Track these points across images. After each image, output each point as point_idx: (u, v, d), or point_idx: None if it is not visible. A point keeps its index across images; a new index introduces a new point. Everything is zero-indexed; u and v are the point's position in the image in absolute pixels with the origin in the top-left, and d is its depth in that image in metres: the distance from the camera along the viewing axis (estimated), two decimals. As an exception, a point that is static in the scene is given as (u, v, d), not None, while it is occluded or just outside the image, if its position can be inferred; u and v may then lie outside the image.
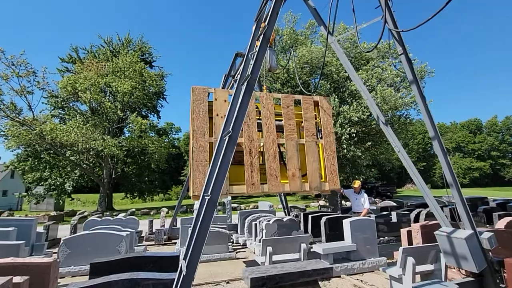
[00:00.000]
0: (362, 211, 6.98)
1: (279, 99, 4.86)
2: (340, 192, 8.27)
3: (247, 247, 7.67)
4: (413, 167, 3.91)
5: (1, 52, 16.68)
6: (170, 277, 2.94)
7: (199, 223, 2.84)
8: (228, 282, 4.83)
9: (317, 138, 4.67)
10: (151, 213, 19.43)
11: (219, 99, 4.17)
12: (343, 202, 11.72)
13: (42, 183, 22.66)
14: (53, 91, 21.88)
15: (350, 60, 25.43)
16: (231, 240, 8.07)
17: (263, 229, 6.85)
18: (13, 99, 18.11)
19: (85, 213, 18.81)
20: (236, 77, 8.43)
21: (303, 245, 5.26)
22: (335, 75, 22.15)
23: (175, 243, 8.24)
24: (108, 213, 18.94)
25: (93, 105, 22.92)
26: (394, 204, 11.30)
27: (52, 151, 20.69)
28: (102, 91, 23.20)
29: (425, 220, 6.79)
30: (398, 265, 3.78)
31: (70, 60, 27.92)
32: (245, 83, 3.28)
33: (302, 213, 8.53)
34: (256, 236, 7.42)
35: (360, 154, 21.68)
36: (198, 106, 4.05)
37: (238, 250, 7.29)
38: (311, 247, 5.52)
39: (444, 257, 3.83)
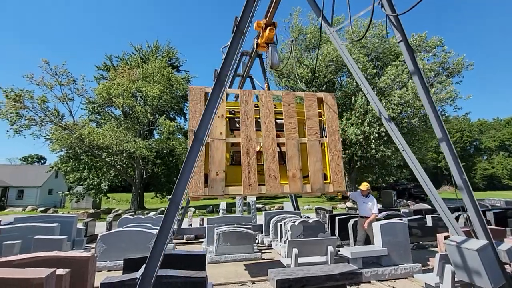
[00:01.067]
0: (370, 217, 6.51)
1: (281, 96, 4.68)
2: (346, 194, 7.97)
3: (272, 248, 7.64)
4: (421, 168, 3.66)
5: (45, 63, 18.31)
6: (198, 275, 3.01)
7: (161, 223, 2.93)
8: (253, 283, 4.85)
9: (321, 137, 4.42)
10: (180, 212, 20.08)
11: None
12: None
13: (81, 182, 24.49)
14: (90, 97, 23.62)
15: (378, 56, 24.44)
16: (256, 241, 8.09)
17: (288, 231, 6.78)
18: (56, 105, 19.80)
19: (119, 211, 19.97)
20: (243, 75, 8.50)
21: (330, 248, 5.12)
22: (362, 72, 21.40)
23: (201, 241, 8.45)
24: (139, 211, 19.95)
25: (126, 109, 24.36)
26: (429, 207, 10.61)
27: (90, 153, 22.29)
28: (133, 96, 24.58)
29: (464, 225, 6.29)
30: (434, 273, 3.54)
31: (105, 68, 29.91)
32: (215, 78, 3.22)
33: (328, 215, 8.32)
34: (281, 237, 7.36)
35: (390, 154, 20.66)
36: (195, 106, 4.09)
37: (263, 251, 7.29)
38: (339, 250, 5.36)
39: (455, 270, 3.43)
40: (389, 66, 21.50)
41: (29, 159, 60.72)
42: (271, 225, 8.10)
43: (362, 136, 19.55)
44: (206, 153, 3.94)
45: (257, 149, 4.27)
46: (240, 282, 4.86)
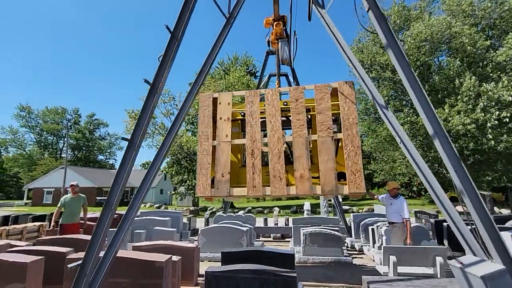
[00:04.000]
0: (399, 223, 5.23)
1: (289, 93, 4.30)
2: (374, 197, 6.50)
3: (364, 254, 7.09)
4: (424, 165, 2.85)
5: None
6: (289, 274, 3.08)
7: (97, 225, 3.06)
8: (345, 288, 4.61)
9: (335, 133, 3.92)
10: (265, 211, 20.98)
11: (223, 102, 4.20)
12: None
13: (183, 184, 28.69)
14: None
15: (492, 23, 19.54)
16: (345, 244, 7.67)
17: (382, 235, 6.16)
18: (162, 120, 23.92)
19: (213, 209, 22.37)
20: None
21: (439, 259, 4.37)
22: (469, 47, 17.47)
23: (287, 241, 8.58)
24: (230, 210, 21.83)
25: (214, 118, 27.31)
26: None
27: (188, 158, 25.93)
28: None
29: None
30: None
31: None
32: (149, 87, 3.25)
33: (434, 221, 7.14)
34: (374, 242, 6.75)
35: (518, 144, 16.10)
36: (203, 112, 4.21)
37: (354, 256, 6.84)
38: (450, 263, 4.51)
39: None
40: (511, 33, 16.88)
41: (146, 165, 75.19)
42: (361, 228, 7.54)
43: (473, 125, 15.89)
44: (213, 156, 4.01)
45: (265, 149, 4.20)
46: (331, 286, 4.70)
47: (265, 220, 10.17)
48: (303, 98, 4.09)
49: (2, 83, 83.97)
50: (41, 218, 10.51)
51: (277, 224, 10.43)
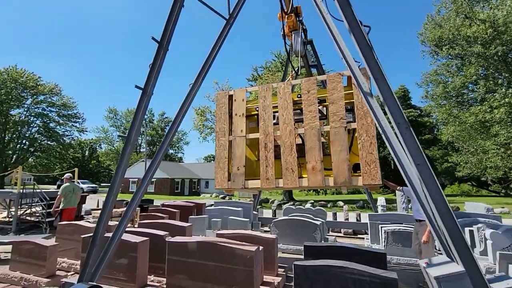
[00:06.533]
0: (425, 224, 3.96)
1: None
2: (397, 188, 5.51)
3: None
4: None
5: (216, 84, 23.64)
6: (388, 275, 2.81)
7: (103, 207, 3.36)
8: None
9: (348, 123, 3.73)
10: (328, 205, 20.29)
11: (238, 99, 4.37)
12: None
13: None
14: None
15: None
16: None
17: (486, 239, 5.24)
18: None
19: (275, 201, 22.65)
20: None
21: None
22: None
23: (360, 237, 8.06)
24: (291, 202, 21.78)
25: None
26: None
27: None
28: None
29: None
30: None
31: (253, 79, 34.85)
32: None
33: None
34: (473, 246, 5.79)
35: None
36: (220, 109, 4.46)
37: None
38: None
39: None
40: None
41: (207, 158, 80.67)
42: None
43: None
44: (230, 151, 4.22)
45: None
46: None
47: (334, 214, 9.77)
48: (315, 89, 4.04)
49: (98, 87, 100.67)
50: (132, 204, 12.24)
51: (347, 219, 9.92)
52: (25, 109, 36.77)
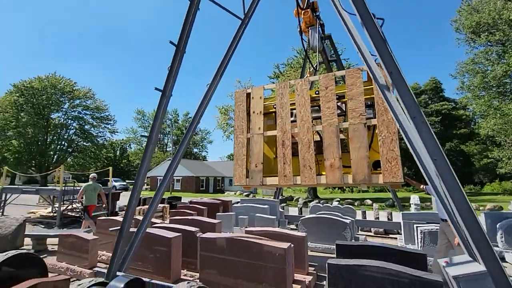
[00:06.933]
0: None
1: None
2: (420, 187, 5.08)
3: (507, 262, 5.68)
4: None
5: (238, 82, 23.80)
6: (433, 277, 2.64)
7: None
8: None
9: (368, 119, 3.62)
10: (355, 203, 19.69)
11: (255, 97, 4.41)
12: None
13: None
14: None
15: None
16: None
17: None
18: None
19: (300, 199, 22.42)
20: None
21: None
22: None
23: (392, 237, 7.70)
24: (316, 200, 21.42)
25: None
26: None
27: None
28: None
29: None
30: None
31: (275, 76, 34.63)
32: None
33: None
34: (523, 249, 5.30)
35: None
36: (238, 107, 4.50)
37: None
38: None
39: None
40: None
41: (232, 156, 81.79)
42: (499, 231, 6.05)
43: None
44: (248, 148, 4.26)
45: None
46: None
47: (364, 213, 9.43)
48: (333, 85, 3.96)
49: (127, 89, 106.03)
50: (161, 201, 12.75)
51: (377, 217, 9.53)
52: (63, 113, 39.62)
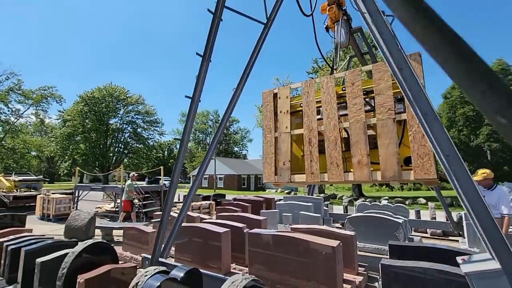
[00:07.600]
0: (496, 219, 2.86)
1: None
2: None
3: None
4: None
5: (276, 80, 23.77)
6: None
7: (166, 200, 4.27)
8: None
9: (397, 114, 3.47)
10: (407, 202, 18.29)
11: (282, 96, 4.46)
12: None
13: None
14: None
15: None
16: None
17: None
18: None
19: (344, 197, 21.59)
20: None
21: None
22: None
23: (452, 239, 6.97)
24: (362, 198, 20.38)
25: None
26: None
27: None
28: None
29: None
30: None
31: (313, 71, 33.77)
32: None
33: None
34: None
35: None
36: (266, 107, 4.58)
37: None
38: None
39: None
40: None
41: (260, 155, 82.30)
42: None
43: None
44: (275, 146, 4.36)
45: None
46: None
47: (418, 212, 8.72)
48: (360, 81, 3.85)
49: (172, 94, 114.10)
50: (206, 198, 13.43)
51: (434, 218, 8.73)
52: (119, 118, 44.00)
